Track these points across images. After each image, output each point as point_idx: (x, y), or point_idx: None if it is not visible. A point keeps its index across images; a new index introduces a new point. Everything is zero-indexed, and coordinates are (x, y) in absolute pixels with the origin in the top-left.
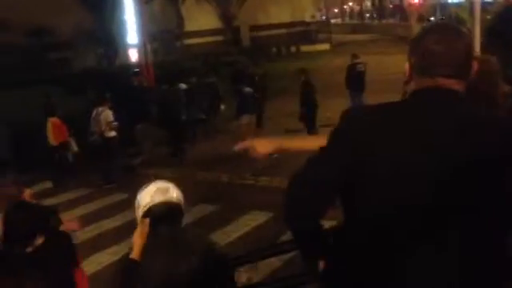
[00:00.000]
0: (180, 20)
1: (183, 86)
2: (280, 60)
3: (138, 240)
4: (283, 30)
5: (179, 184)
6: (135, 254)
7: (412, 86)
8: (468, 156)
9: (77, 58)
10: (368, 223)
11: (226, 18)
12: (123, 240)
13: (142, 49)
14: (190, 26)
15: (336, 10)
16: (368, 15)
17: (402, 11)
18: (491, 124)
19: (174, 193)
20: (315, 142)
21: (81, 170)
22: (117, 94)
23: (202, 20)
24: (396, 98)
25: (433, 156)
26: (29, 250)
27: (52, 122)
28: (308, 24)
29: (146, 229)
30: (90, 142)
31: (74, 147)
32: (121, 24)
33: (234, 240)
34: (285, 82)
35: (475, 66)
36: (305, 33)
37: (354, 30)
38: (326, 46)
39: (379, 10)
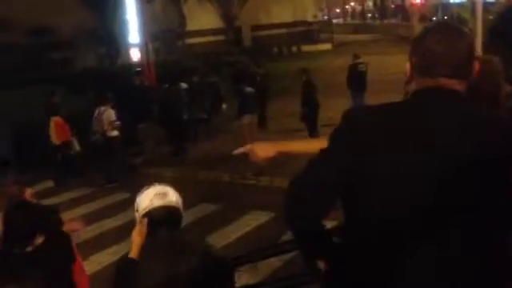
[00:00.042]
0: (182, 19)
1: (184, 85)
2: (281, 60)
3: (136, 239)
4: (284, 30)
5: (180, 183)
6: (134, 254)
7: (413, 87)
8: (469, 156)
9: (78, 57)
10: (369, 223)
11: (228, 17)
12: (124, 240)
13: (144, 48)
14: (192, 25)
15: (338, 10)
16: (370, 15)
17: (403, 11)
18: (493, 124)
19: (172, 197)
20: (315, 145)
21: (83, 169)
22: (118, 93)
23: (203, 20)
24: (397, 98)
25: (434, 156)
26: (29, 249)
27: (55, 121)
28: (310, 24)
29: (145, 228)
30: (92, 142)
31: (77, 146)
32: (122, 23)
33: (235, 240)
34: (286, 81)
35: (477, 66)
36: (306, 33)
37: (356, 29)
38: (327, 46)
39: (381, 9)
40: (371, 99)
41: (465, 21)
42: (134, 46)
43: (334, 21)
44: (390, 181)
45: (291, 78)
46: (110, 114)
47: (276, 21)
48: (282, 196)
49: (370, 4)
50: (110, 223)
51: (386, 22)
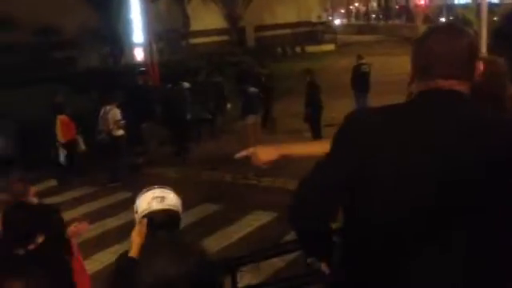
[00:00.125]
0: (186, 19)
1: (186, 84)
2: (285, 60)
3: (136, 239)
4: (288, 31)
5: (183, 183)
6: (134, 253)
7: (414, 87)
8: (472, 157)
9: (82, 56)
10: (369, 224)
11: (232, 18)
12: (126, 239)
13: (148, 48)
14: (196, 25)
15: (342, 11)
16: (374, 16)
17: (408, 12)
18: (497, 126)
19: (171, 200)
20: (318, 148)
21: (86, 168)
22: (122, 92)
23: (207, 20)
24: (401, 99)
25: (435, 157)
26: (30, 248)
27: (61, 119)
28: (314, 24)
29: (144, 229)
30: (98, 141)
31: (82, 145)
32: (127, 23)
33: (237, 240)
34: (290, 82)
35: (480, 66)
36: (310, 33)
37: (360, 30)
38: (331, 47)
39: (385, 10)
40: (375, 100)
41: (469, 22)
42: (138, 45)
43: (338, 21)
44: (391, 182)
45: (295, 78)
46: (115, 113)
47: (280, 21)
48: (285, 196)
49: (375, 5)
50: (112, 222)
51: (390, 22)
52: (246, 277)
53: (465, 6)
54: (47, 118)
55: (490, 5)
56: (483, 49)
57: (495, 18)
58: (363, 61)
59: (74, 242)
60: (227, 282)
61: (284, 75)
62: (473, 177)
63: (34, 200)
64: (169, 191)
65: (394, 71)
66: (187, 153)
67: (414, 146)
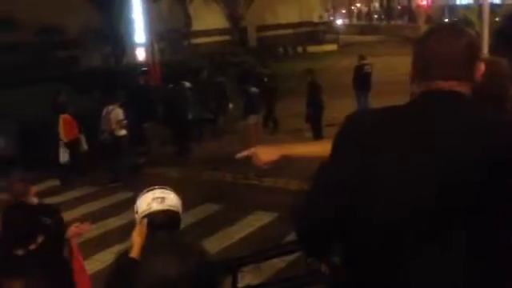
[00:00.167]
0: (187, 19)
1: (187, 84)
2: (287, 60)
3: (137, 239)
4: (290, 31)
5: (184, 183)
6: (135, 253)
7: (414, 88)
8: (472, 158)
9: (84, 56)
10: (371, 225)
11: (234, 18)
12: (127, 239)
13: (150, 48)
14: (198, 25)
15: (344, 11)
16: (376, 16)
17: (410, 13)
18: (498, 127)
19: (171, 201)
20: (319, 148)
21: (87, 168)
22: (124, 92)
23: (209, 20)
24: (403, 99)
25: (436, 158)
26: (31, 247)
27: (63, 118)
28: (315, 24)
29: (145, 229)
30: (100, 141)
31: (84, 145)
32: (128, 23)
33: (239, 240)
34: (292, 82)
35: (482, 67)
36: (312, 33)
37: (362, 31)
38: (333, 47)
39: (387, 11)
40: (377, 100)
41: (471, 23)
42: (140, 45)
43: (340, 22)
44: (392, 182)
45: (297, 78)
46: (117, 113)
47: (282, 21)
48: (288, 197)
49: (377, 5)
50: (113, 222)
51: (392, 23)
52: (246, 277)
53: (467, 7)
54: (49, 117)
55: (492, 5)
56: (485, 49)
57: (497, 19)
58: (365, 61)
59: (75, 242)
60: (228, 282)
61: (285, 75)
62: (473, 177)
63: (35, 200)
64: (169, 192)
65: (395, 71)
66: (188, 153)
67: (415, 146)
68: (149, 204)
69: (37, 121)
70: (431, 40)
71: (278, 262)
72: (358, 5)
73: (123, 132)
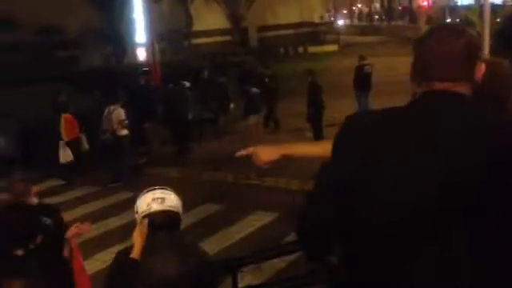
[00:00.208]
0: (188, 19)
1: (187, 84)
2: (288, 61)
3: (137, 239)
4: (291, 31)
5: (184, 183)
6: (136, 254)
7: (414, 89)
8: (473, 158)
9: (85, 56)
10: (371, 225)
11: (235, 18)
12: (128, 239)
13: (150, 48)
14: (199, 25)
15: (345, 12)
16: (377, 17)
17: (410, 13)
18: (498, 127)
19: (171, 201)
20: (319, 148)
21: (88, 168)
22: (124, 92)
23: (210, 20)
24: (403, 99)
25: (438, 158)
26: (30, 248)
27: (65, 117)
28: (316, 25)
29: (145, 229)
30: (102, 141)
31: (85, 144)
32: (129, 23)
33: (239, 240)
34: (292, 82)
35: (482, 67)
36: (313, 34)
37: (363, 31)
38: (334, 47)
39: (388, 11)
40: (377, 100)
41: (472, 23)
42: (141, 45)
43: (341, 22)
44: (393, 182)
45: (297, 78)
46: (119, 112)
47: (282, 22)
48: (288, 197)
49: (377, 6)
50: (113, 222)
51: (393, 23)
52: (247, 277)
53: (468, 7)
54: (49, 117)
55: (493, 6)
56: (486, 50)
57: (498, 20)
58: (366, 61)
59: (75, 242)
60: (228, 282)
61: (286, 75)
62: (473, 178)
63: (35, 200)
64: (169, 192)
65: (396, 72)
66: (189, 153)
67: (417, 146)
68: (149, 204)
69: (37, 121)
70: (431, 40)
71: (278, 262)
72: (359, 5)
73: (125, 132)
